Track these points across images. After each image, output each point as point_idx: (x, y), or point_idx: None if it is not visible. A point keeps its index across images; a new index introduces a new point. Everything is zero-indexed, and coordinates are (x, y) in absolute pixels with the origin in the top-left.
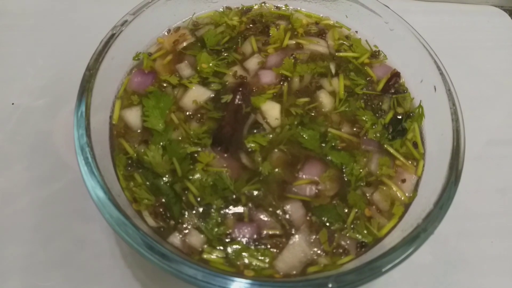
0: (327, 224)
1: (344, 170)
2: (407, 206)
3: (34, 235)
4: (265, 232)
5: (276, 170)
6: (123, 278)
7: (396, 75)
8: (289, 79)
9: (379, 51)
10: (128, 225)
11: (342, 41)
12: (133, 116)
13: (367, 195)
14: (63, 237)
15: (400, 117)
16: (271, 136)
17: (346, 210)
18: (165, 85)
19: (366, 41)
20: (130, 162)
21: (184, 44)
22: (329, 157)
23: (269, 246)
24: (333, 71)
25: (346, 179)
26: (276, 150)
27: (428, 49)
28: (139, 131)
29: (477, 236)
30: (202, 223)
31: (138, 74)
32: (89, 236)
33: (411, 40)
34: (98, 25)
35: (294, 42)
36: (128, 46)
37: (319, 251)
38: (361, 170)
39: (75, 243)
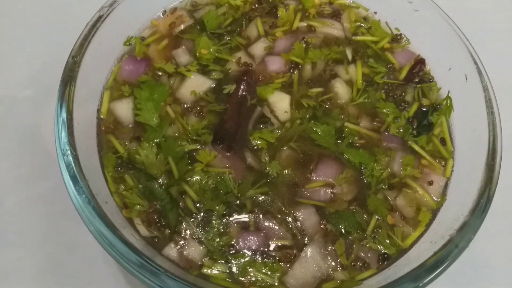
0: (344, 233)
1: (363, 171)
2: (435, 212)
3: (22, 239)
4: (273, 242)
5: (286, 171)
6: (117, 285)
7: (420, 62)
8: (300, 66)
9: (401, 34)
10: (115, 241)
11: (359, 23)
12: (124, 109)
13: (390, 199)
14: (53, 240)
15: (425, 109)
16: (279, 132)
17: (365, 217)
18: (160, 73)
19: (386, 23)
20: (120, 162)
21: (182, 27)
22: (346, 156)
23: (278, 259)
24: (350, 57)
25: (365, 181)
26: (285, 148)
27: (458, 32)
28: (130, 126)
29: (504, 237)
30: (202, 233)
31: (129, 62)
32: (81, 239)
33: (438, 22)
34: (93, 9)
35: (305, 24)
36: (118, 30)
37: (335, 265)
38: (382, 171)
39: (66, 247)
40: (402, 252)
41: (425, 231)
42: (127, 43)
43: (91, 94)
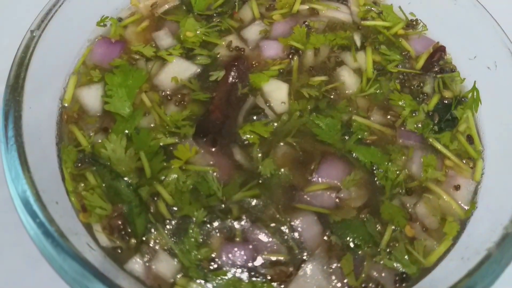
0: (353, 247)
1: (375, 172)
2: (463, 222)
3: None
4: (264, 257)
5: (282, 170)
6: None
7: (440, 49)
8: (300, 52)
9: (417, 20)
10: (55, 250)
11: (369, 7)
12: (92, 97)
13: (408, 206)
14: (13, 253)
15: (448, 102)
16: (275, 125)
17: (379, 228)
18: (137, 57)
19: (400, 7)
20: (81, 156)
21: (166, 7)
22: (355, 154)
23: (269, 278)
24: (358, 43)
25: (378, 185)
26: (281, 144)
27: (484, 13)
28: (98, 115)
29: None
30: (176, 243)
31: (102, 44)
32: None
33: (460, 4)
34: None
35: (307, 7)
36: (91, 8)
37: (341, 286)
38: (398, 173)
39: (28, 261)
40: (424, 271)
41: (453, 245)
42: (101, 24)
43: (53, 78)
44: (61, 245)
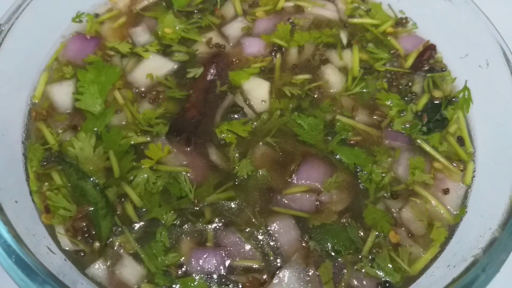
0: (333, 253)
1: (358, 175)
2: (452, 228)
3: None
4: (236, 264)
5: (260, 172)
6: None
7: (430, 48)
8: (283, 50)
9: (406, 18)
10: (11, 252)
11: (356, 5)
12: (63, 93)
13: (393, 211)
14: None
15: (438, 102)
16: (254, 124)
17: (361, 233)
18: (112, 53)
19: (389, 5)
20: (48, 155)
21: (145, 3)
22: (337, 156)
23: (241, 287)
24: (345, 41)
25: (361, 188)
26: (260, 144)
27: (476, 11)
28: (68, 112)
29: None
30: (142, 248)
31: (76, 40)
32: None
33: (452, 2)
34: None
35: (292, 4)
36: (66, 3)
37: None
38: (383, 175)
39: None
40: (409, 280)
41: (440, 252)
42: (77, 20)
43: (23, 73)
44: (11, 246)
